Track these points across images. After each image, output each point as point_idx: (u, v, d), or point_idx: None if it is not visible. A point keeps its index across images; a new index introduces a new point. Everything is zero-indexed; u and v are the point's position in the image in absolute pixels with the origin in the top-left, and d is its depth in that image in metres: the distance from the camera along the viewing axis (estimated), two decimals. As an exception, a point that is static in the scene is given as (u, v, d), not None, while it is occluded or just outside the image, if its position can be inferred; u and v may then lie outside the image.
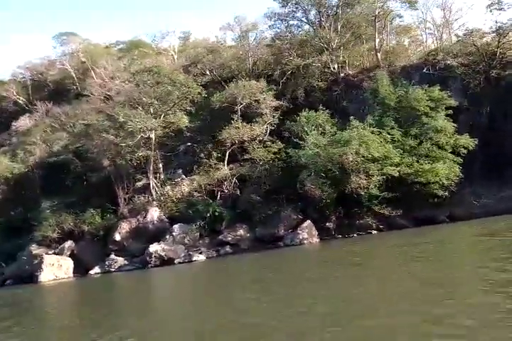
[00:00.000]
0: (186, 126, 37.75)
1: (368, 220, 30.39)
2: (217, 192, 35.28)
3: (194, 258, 30.98)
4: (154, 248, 31.16)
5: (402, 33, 49.18)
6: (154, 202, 35.36)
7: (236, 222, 33.15)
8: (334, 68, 39.31)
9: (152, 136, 36.67)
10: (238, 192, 34.57)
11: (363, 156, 30.00)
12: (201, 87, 38.30)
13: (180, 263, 30.97)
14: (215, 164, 35.89)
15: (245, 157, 35.35)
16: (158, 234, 34.09)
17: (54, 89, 73.28)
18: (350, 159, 29.94)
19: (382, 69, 36.94)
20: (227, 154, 36.06)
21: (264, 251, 30.40)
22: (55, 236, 35.19)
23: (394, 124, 32.16)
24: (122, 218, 34.49)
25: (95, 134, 36.85)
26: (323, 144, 31.49)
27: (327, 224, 31.30)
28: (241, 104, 35.75)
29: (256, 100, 34.97)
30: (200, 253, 31.23)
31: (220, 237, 32.31)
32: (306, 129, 32.80)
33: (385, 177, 30.15)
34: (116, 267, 31.99)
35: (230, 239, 31.92)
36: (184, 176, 38.83)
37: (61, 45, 75.94)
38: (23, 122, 59.93)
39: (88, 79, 67.39)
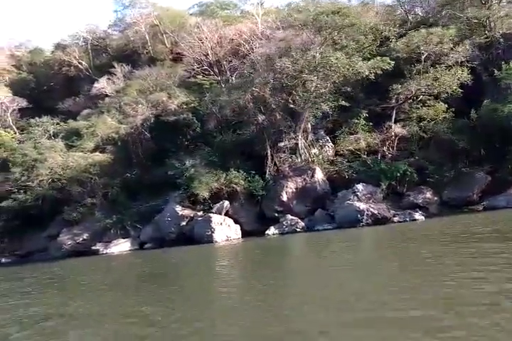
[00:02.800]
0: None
1: None
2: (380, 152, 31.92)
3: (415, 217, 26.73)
4: (362, 206, 27.08)
5: None
6: (315, 162, 31.78)
7: (417, 184, 29.92)
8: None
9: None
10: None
11: None
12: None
13: (398, 222, 26.84)
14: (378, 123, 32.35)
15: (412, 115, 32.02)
16: (323, 195, 30.62)
17: (115, 55, 68.74)
18: None
19: None
20: (393, 112, 32.56)
21: (459, 215, 27.06)
22: (205, 195, 31.37)
23: None
24: (283, 178, 30.77)
25: (249, 89, 32.66)
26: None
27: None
28: (423, 54, 31.96)
29: (441, 51, 31.34)
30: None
31: (408, 199, 28.95)
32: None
33: None
34: (295, 228, 28.58)
35: (420, 201, 28.59)
36: (328, 138, 35.40)
37: (125, 8, 71.40)
38: (101, 85, 55.40)
39: (157, 43, 63.21)
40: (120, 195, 36.42)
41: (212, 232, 28.09)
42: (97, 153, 39.11)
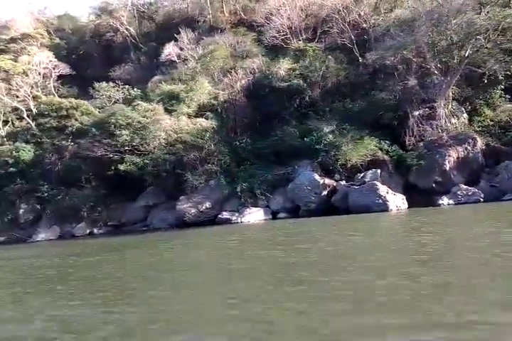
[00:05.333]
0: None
1: None
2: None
3: None
4: None
5: None
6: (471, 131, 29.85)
7: None
8: None
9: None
10: None
11: None
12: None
13: None
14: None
15: None
16: (481, 167, 28.91)
17: (161, 22, 64.60)
18: None
19: None
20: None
21: None
22: (353, 162, 29.01)
23: None
24: (440, 146, 28.75)
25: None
26: None
27: None
28: None
29: None
30: None
31: None
32: None
33: None
34: (475, 197, 26.57)
35: None
36: (463, 108, 33.54)
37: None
38: (168, 51, 51.51)
39: (214, 12, 59.33)
40: (232, 163, 33.85)
41: (384, 201, 25.97)
42: (202, 119, 36.14)
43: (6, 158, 38.92)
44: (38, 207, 39.18)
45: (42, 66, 57.33)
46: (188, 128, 33.24)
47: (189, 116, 36.46)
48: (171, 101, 37.33)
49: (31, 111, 52.84)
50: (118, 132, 33.25)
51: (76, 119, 40.37)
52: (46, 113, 39.86)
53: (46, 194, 37.57)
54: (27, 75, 55.88)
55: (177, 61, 50.84)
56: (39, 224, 37.50)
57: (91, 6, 78.31)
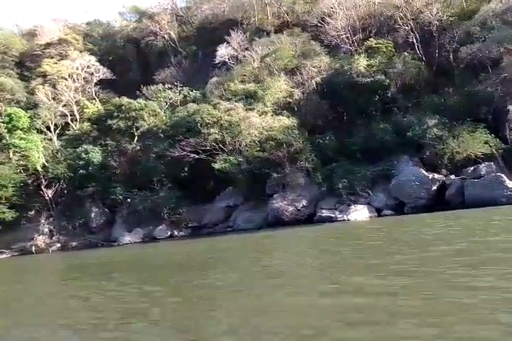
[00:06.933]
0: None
1: None
2: None
3: None
4: None
5: None
6: None
7: None
8: None
9: None
10: None
11: None
12: None
13: None
14: None
15: None
16: None
17: (200, 26, 63.73)
18: None
19: None
20: None
21: None
22: (466, 156, 27.89)
23: None
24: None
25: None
26: None
27: None
28: None
29: None
30: None
31: None
32: None
33: None
34: None
35: None
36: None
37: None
38: (221, 52, 50.47)
39: (261, 14, 58.52)
40: (314, 160, 32.70)
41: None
42: (284, 117, 35.07)
43: (76, 161, 37.48)
44: (108, 210, 37.79)
45: (84, 70, 56.29)
46: (276, 125, 32.11)
47: (267, 114, 35.40)
48: (248, 100, 36.25)
49: (74, 115, 51.80)
50: (206, 131, 32.00)
51: (144, 120, 39.10)
52: (116, 114, 38.47)
53: (120, 196, 36.12)
54: (73, 80, 54.79)
55: (230, 62, 50.05)
56: (115, 228, 35.99)
57: (121, 12, 77.47)
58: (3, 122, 40.72)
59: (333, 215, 28.61)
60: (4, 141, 40.20)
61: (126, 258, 25.34)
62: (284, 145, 31.55)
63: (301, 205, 30.03)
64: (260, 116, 33.49)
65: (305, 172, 31.29)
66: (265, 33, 54.54)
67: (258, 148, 31.30)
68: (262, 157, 30.93)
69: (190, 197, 35.69)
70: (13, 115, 40.96)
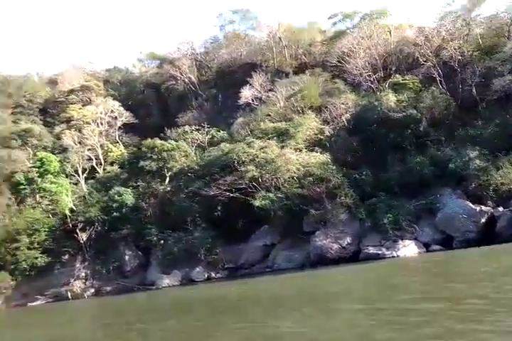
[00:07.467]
0: None
1: None
2: None
3: None
4: None
5: None
6: None
7: None
8: None
9: None
10: None
11: None
12: None
13: None
14: None
15: None
16: None
17: (219, 70, 65.48)
18: None
19: None
20: None
21: None
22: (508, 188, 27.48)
23: None
24: None
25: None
26: None
27: None
28: None
29: None
30: None
31: None
32: None
33: None
34: None
35: None
36: None
37: (229, 24, 68.09)
38: (245, 94, 51.42)
39: (279, 56, 59.99)
40: (353, 195, 32.21)
41: None
42: (317, 153, 35.02)
43: (109, 203, 37.20)
44: (141, 252, 36.99)
45: (108, 115, 57.41)
46: (313, 161, 31.99)
47: (301, 150, 35.43)
48: (280, 137, 36.41)
49: (99, 159, 52.18)
50: (243, 168, 31.88)
51: (176, 161, 39.18)
52: (149, 155, 38.61)
53: (154, 238, 35.45)
54: (97, 124, 55.77)
55: (254, 103, 50.91)
56: (150, 270, 35.04)
57: (139, 58, 79.89)
58: (34, 166, 40.88)
59: (380, 252, 27.73)
60: (35, 185, 40.19)
61: (186, 301, 24.10)
62: (323, 181, 31.14)
63: (345, 242, 29.23)
64: (295, 152, 33.39)
65: (345, 208, 30.66)
66: (284, 74, 56.00)
67: (297, 185, 30.92)
68: (301, 193, 30.49)
69: (224, 236, 35.02)
70: (44, 159, 41.21)
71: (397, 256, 27.16)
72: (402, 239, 28.37)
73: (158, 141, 39.38)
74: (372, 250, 28.21)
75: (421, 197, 30.43)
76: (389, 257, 27.33)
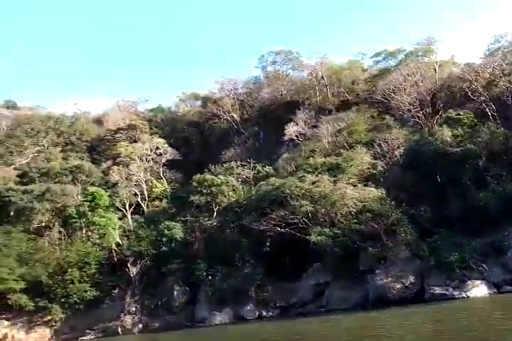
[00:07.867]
0: None
1: None
2: None
3: None
4: None
5: None
6: None
7: None
8: None
9: None
10: None
11: None
12: None
13: None
14: None
15: None
16: None
17: (260, 109, 66.63)
18: None
19: None
20: None
21: None
22: None
23: None
24: None
25: None
26: None
27: None
28: None
29: None
30: None
31: None
32: None
33: None
34: None
35: None
36: None
37: (271, 64, 69.82)
38: (290, 131, 51.76)
39: (321, 94, 60.59)
40: (413, 232, 30.82)
41: None
42: (372, 188, 34.16)
43: (158, 237, 37.02)
44: (188, 288, 36.10)
45: (153, 151, 58.70)
46: (370, 196, 31.12)
47: (356, 185, 34.66)
48: (331, 172, 35.88)
49: (143, 194, 52.75)
50: (296, 203, 31.28)
51: (224, 195, 39.04)
52: (198, 189, 38.68)
53: (204, 273, 34.66)
54: (143, 161, 56.92)
55: (298, 139, 51.07)
56: (198, 307, 33.98)
57: (181, 99, 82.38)
58: (86, 200, 41.53)
59: (447, 292, 25.99)
60: (86, 219, 40.64)
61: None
62: (381, 217, 30.07)
63: (408, 282, 27.64)
64: (350, 187, 32.67)
65: (406, 245, 29.28)
66: (327, 111, 56.45)
67: (354, 220, 29.95)
68: (358, 229, 29.45)
69: (274, 273, 33.89)
70: (95, 194, 41.89)
71: (467, 296, 25.34)
72: (470, 279, 26.56)
73: (208, 176, 39.55)
74: (438, 290, 26.50)
75: (485, 235, 28.77)
76: (457, 298, 25.52)
